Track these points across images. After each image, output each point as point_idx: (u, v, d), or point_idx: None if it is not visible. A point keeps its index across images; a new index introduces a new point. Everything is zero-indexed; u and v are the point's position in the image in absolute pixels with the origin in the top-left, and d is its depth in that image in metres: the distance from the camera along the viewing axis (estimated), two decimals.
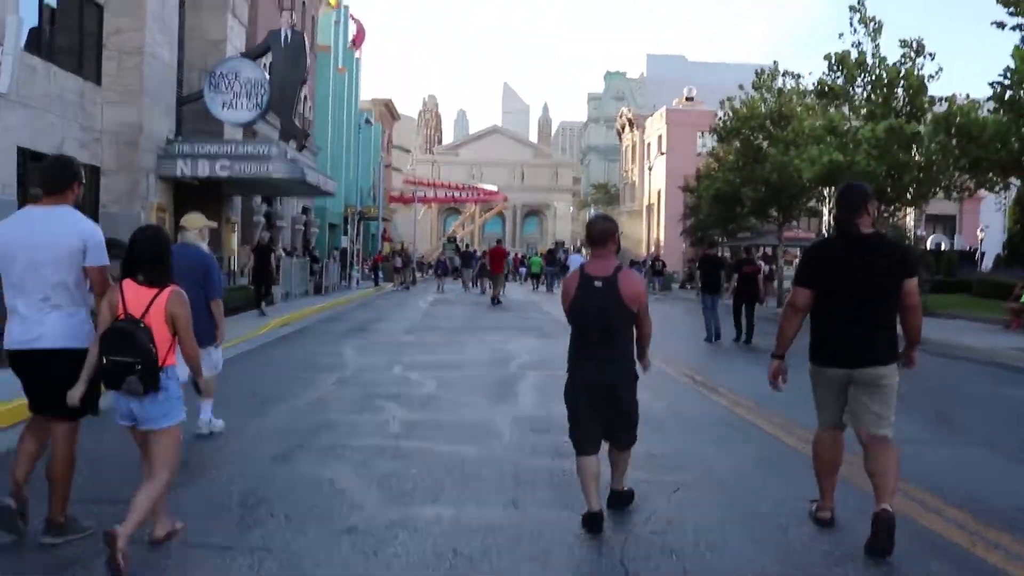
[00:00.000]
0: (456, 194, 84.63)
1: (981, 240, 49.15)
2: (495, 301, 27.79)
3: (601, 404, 5.12)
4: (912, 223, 47.54)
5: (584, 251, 57.65)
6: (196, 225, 7.22)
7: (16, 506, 4.46)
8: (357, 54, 66.99)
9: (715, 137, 30.91)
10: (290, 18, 26.92)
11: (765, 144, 28.28)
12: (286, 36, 26.51)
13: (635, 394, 5.25)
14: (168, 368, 4.36)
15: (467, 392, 9.79)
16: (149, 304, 4.32)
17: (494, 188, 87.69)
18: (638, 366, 5.31)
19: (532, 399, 9.44)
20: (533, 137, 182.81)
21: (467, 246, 68.06)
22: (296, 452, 6.74)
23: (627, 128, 78.80)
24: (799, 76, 27.69)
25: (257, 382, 10.24)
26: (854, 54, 22.40)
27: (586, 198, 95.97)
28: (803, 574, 4.37)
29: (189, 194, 24.52)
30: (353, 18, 67.66)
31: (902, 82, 21.53)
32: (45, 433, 4.61)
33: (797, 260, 43.82)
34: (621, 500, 5.33)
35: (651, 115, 71.49)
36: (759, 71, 28.62)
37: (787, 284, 30.04)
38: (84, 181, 4.86)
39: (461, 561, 4.38)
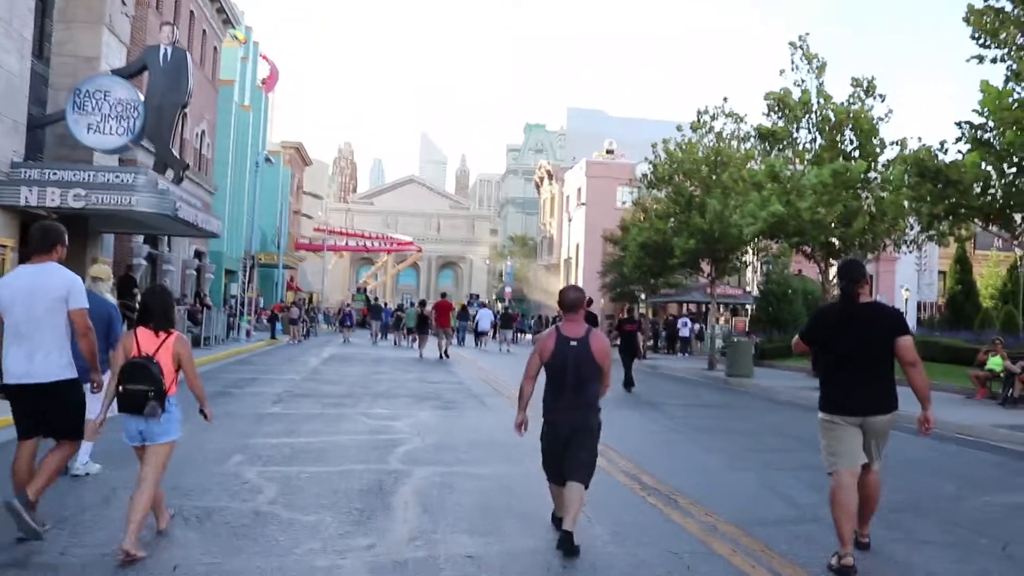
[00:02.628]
0: (368, 243, 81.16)
1: (906, 300, 47.95)
2: (444, 356, 26.85)
3: (569, 443, 5.81)
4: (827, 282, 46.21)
5: (498, 305, 55.28)
6: (108, 276, 7.71)
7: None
8: (269, 95, 63.90)
9: (645, 182, 28.39)
10: (171, 33, 23.63)
11: (698, 192, 25.96)
12: (165, 53, 23.28)
13: (598, 437, 6.00)
14: (171, 396, 5.38)
15: (316, 506, 6.65)
16: (159, 345, 5.38)
17: (408, 239, 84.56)
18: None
19: (412, 521, 6.34)
20: (451, 188, 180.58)
21: (375, 298, 64.80)
22: None
23: (546, 180, 77.00)
24: (742, 118, 25.47)
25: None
26: (796, 93, 20.24)
27: (503, 250, 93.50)
28: None
29: None
30: (266, 59, 64.72)
31: (851, 123, 19.33)
32: (33, 455, 5.60)
33: (724, 319, 41.35)
34: (566, 544, 5.48)
35: (571, 168, 69.73)
36: (701, 110, 26.30)
37: (719, 343, 27.66)
38: (66, 243, 5.89)
39: None
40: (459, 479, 7.82)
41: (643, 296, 40.20)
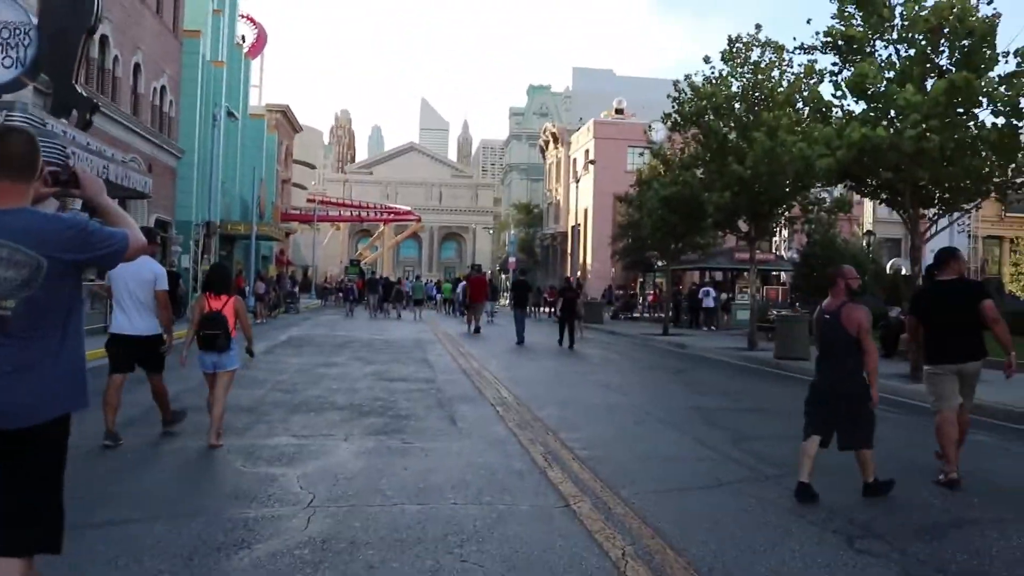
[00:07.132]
0: (363, 213, 76.35)
1: None
2: (477, 331, 26.84)
3: (829, 406, 6.46)
4: (865, 243, 41.12)
5: (501, 276, 50.97)
6: None
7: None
8: (257, 60, 59.00)
9: (668, 123, 23.45)
10: None
11: (733, 135, 21.12)
12: None
13: (865, 404, 6.39)
14: (233, 338, 7.76)
15: None
16: (224, 304, 7.72)
17: (407, 208, 79.78)
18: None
19: None
20: (452, 156, 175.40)
21: (371, 271, 60.31)
22: None
23: (551, 144, 72.02)
24: (784, 48, 20.52)
25: None
26: None
27: (506, 219, 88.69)
28: None
29: None
30: (252, 20, 59.74)
31: (955, 27, 14.39)
32: (121, 390, 7.83)
33: (748, 287, 36.71)
34: (871, 490, 6.38)
35: (577, 129, 64.74)
36: (732, 38, 21.30)
37: (740, 315, 22.97)
38: (159, 241, 9.96)
39: None
40: None
41: (660, 263, 35.27)
